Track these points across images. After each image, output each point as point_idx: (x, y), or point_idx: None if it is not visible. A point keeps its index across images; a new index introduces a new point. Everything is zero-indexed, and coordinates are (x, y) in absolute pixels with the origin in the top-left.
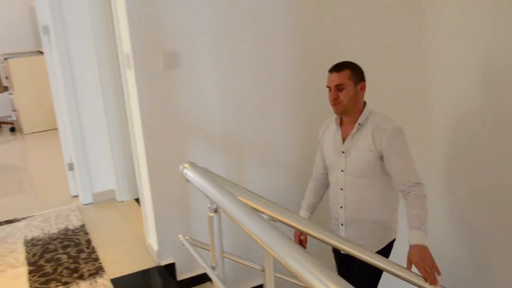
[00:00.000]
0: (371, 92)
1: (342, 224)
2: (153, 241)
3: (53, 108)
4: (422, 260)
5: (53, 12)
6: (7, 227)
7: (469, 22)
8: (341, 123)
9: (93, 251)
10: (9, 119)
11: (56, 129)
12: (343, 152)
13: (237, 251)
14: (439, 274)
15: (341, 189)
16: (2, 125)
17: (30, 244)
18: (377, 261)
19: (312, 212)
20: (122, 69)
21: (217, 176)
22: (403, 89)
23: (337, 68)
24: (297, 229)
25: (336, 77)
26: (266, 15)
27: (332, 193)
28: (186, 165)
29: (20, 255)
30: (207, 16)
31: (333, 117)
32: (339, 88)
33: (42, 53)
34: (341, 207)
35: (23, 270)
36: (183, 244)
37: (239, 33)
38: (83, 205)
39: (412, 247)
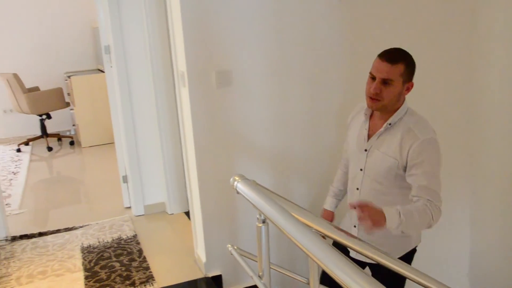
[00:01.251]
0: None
1: (355, 226)
2: (201, 253)
3: (110, 123)
4: (371, 216)
5: (114, 33)
6: (66, 234)
7: None
8: (371, 115)
9: (144, 260)
10: (68, 133)
11: (112, 143)
12: (366, 150)
13: (281, 265)
14: (367, 231)
15: (357, 189)
16: (63, 139)
17: (87, 251)
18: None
19: (340, 200)
20: (177, 86)
21: (265, 189)
22: (453, 95)
23: (392, 58)
24: (343, 244)
25: (388, 69)
26: (315, 34)
27: (349, 191)
28: (237, 178)
29: (77, 261)
30: (258, 36)
31: (365, 103)
32: (385, 82)
33: (101, 71)
34: (355, 208)
35: (80, 275)
36: (231, 254)
37: (288, 52)
38: (135, 216)
39: (379, 209)
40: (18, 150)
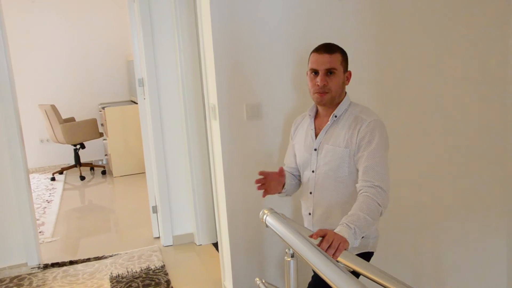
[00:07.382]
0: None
1: (309, 214)
2: (228, 285)
3: (141, 154)
4: (335, 245)
5: (148, 67)
6: (95, 263)
7: None
8: (316, 116)
9: None
10: (101, 163)
11: (143, 173)
12: (315, 149)
13: None
14: (335, 257)
15: (310, 193)
16: (95, 168)
17: (115, 280)
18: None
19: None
20: (207, 119)
21: (295, 223)
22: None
23: (329, 49)
24: (374, 281)
25: (328, 60)
26: None
27: (303, 198)
28: (266, 211)
29: None
30: (286, 69)
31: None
32: (330, 72)
33: (134, 102)
34: (309, 214)
35: None
36: (259, 287)
37: None
38: (164, 246)
39: (336, 233)
40: (53, 179)
